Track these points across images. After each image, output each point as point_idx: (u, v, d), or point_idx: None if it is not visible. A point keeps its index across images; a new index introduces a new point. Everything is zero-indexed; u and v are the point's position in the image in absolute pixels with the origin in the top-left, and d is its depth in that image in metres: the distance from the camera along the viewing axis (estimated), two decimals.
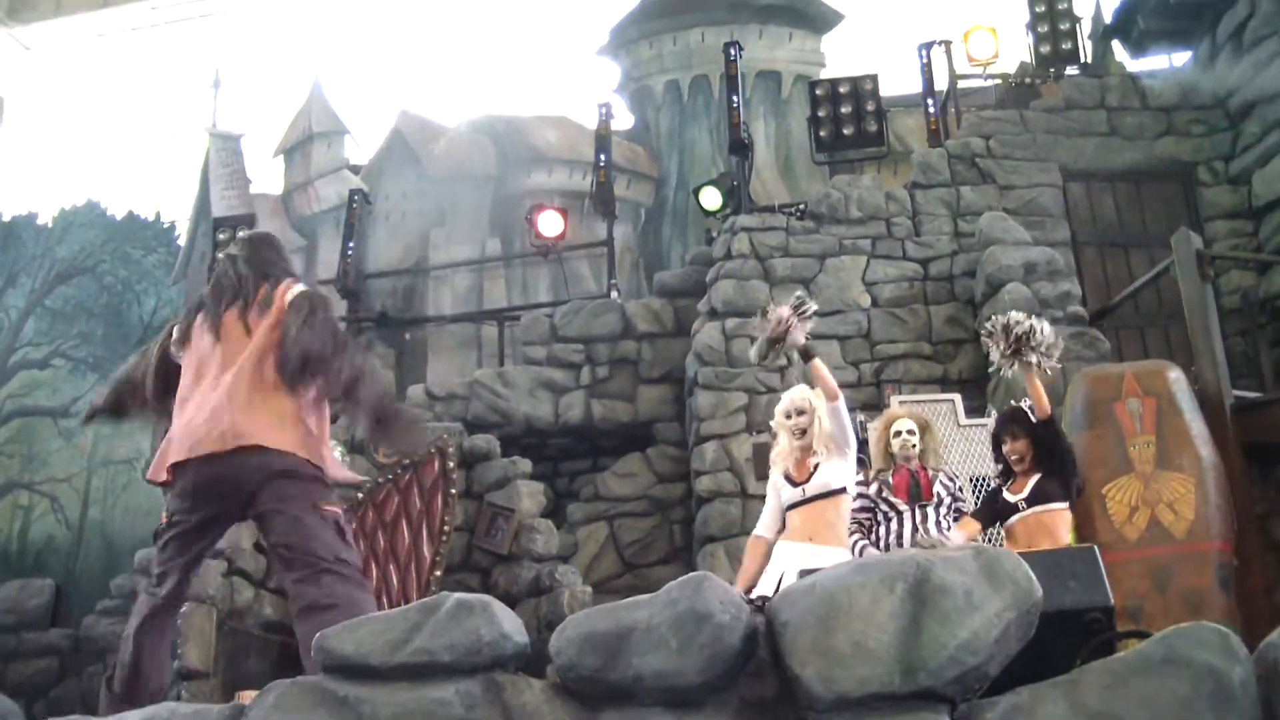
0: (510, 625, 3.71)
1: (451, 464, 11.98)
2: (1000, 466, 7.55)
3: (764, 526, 7.09)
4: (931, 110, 16.51)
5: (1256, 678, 3.39)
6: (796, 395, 7.15)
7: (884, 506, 7.20)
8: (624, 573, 13.51)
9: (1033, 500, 7.16)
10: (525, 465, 12.91)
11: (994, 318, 7.60)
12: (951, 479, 7.45)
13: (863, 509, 7.23)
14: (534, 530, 12.30)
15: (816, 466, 6.89)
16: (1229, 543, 10.01)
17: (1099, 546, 6.42)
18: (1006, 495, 7.29)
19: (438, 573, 11.36)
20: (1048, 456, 7.29)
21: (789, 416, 7.02)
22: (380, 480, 11.57)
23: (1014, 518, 7.19)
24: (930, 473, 7.33)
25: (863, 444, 7.67)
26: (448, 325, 18.76)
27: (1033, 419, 7.36)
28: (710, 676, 3.52)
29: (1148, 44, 17.23)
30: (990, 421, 8.64)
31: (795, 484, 6.90)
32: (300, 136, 21.71)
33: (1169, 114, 15.73)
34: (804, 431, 6.92)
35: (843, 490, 6.89)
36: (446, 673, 3.60)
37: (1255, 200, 14.97)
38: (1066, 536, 7.11)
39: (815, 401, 6.99)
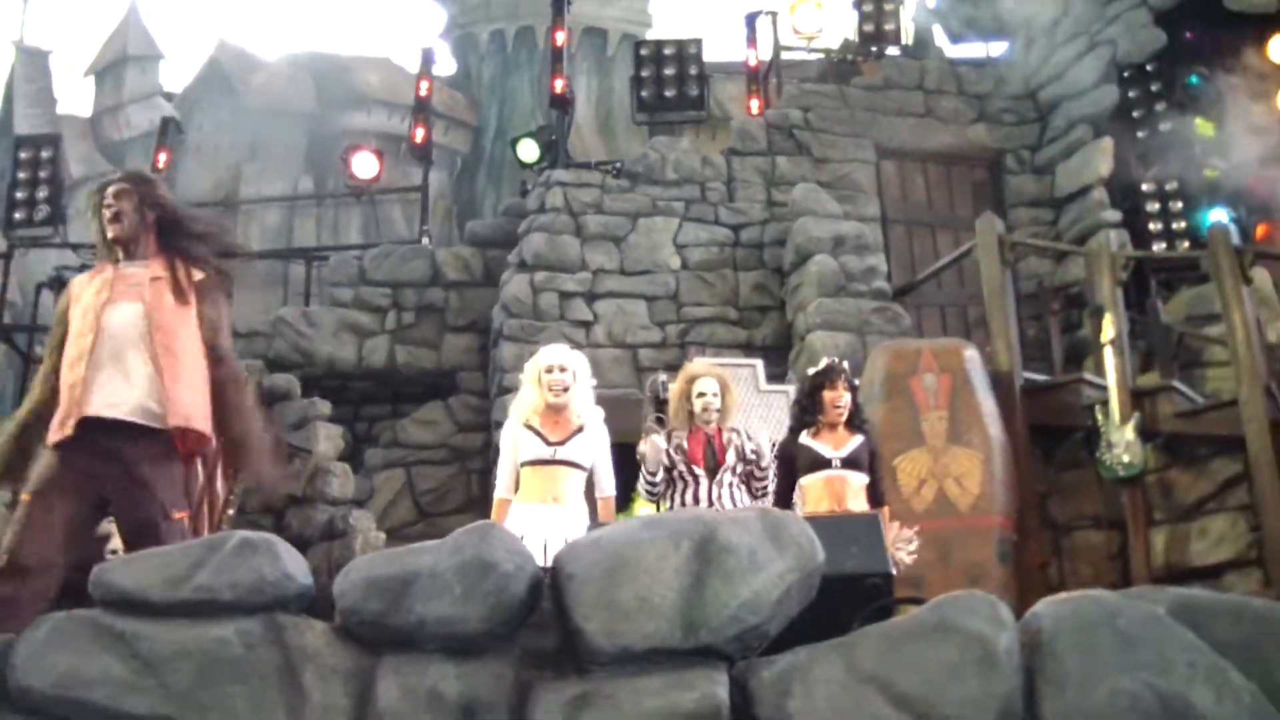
0: (294, 566, 3.67)
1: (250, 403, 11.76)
2: (797, 413, 7.41)
3: (504, 488, 6.74)
4: (753, 79, 16.63)
5: (1020, 645, 3.51)
6: (560, 351, 6.90)
7: (681, 469, 7.14)
8: (419, 520, 13.42)
9: (850, 463, 7.15)
10: (325, 407, 12.73)
11: None
12: (747, 436, 7.37)
13: (654, 474, 7.13)
14: (330, 473, 12.11)
15: (578, 431, 6.63)
16: (1010, 519, 10.32)
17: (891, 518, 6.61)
18: (817, 446, 7.17)
19: (230, 511, 11.12)
20: (858, 421, 7.32)
21: (549, 371, 6.64)
22: None
23: (826, 471, 7.09)
24: (725, 435, 7.28)
25: (663, 404, 7.64)
26: (255, 261, 18.37)
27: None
28: (493, 625, 3.52)
29: (967, 32, 17.56)
30: (790, 388, 8.68)
31: (548, 442, 6.55)
32: (113, 58, 21.05)
33: (982, 101, 16.11)
34: (565, 389, 6.62)
35: (585, 470, 6.68)
36: (227, 611, 3.55)
37: (1057, 191, 15.43)
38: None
39: (578, 364, 6.83)
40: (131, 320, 4.86)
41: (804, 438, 7.20)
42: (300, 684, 3.44)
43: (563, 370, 6.64)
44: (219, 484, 11.11)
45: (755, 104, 16.30)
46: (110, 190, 5.12)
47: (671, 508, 7.14)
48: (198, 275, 5.04)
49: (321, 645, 3.57)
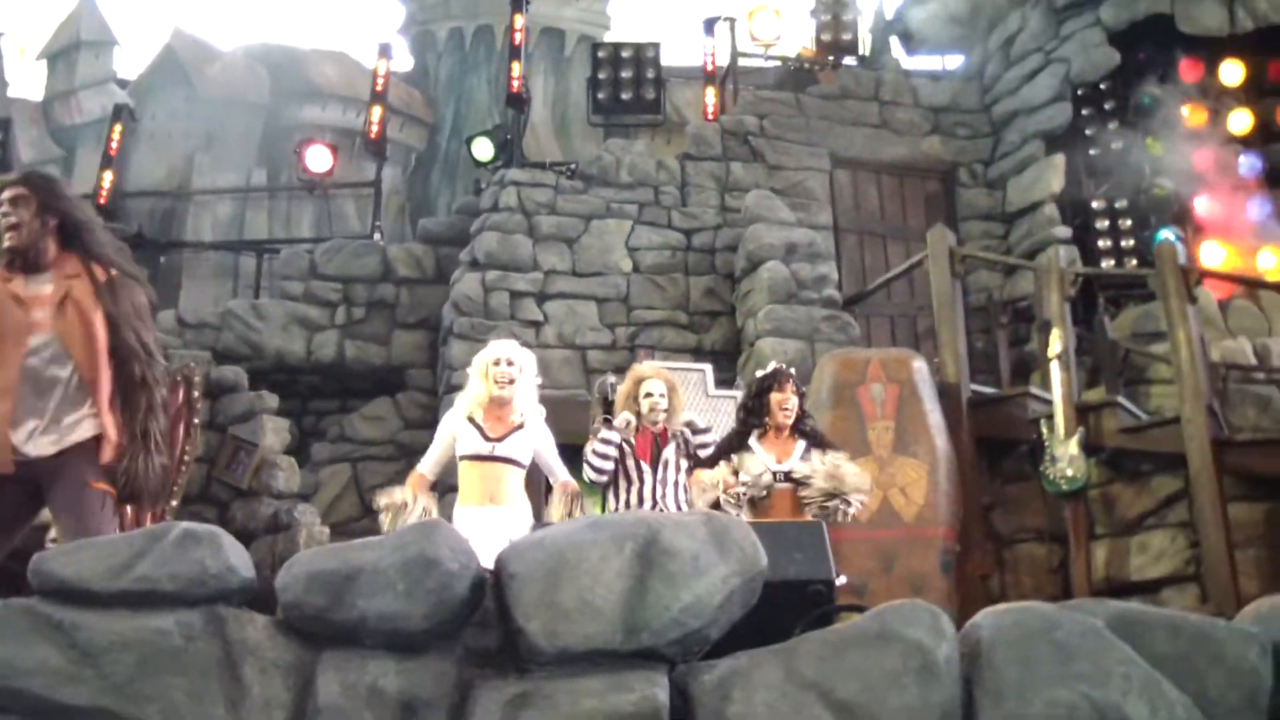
0: (237, 558, 3.65)
1: (196, 393, 11.64)
2: (743, 415, 7.32)
3: (427, 466, 6.80)
4: (710, 84, 16.67)
5: (960, 655, 3.54)
6: (508, 346, 6.85)
7: (629, 464, 7.16)
8: (364, 516, 13.33)
9: (790, 475, 7.12)
10: (272, 400, 12.65)
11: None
12: (693, 431, 7.38)
13: (607, 457, 7.14)
14: (276, 467, 12.05)
15: (518, 428, 6.64)
16: (954, 530, 10.39)
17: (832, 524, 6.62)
18: (761, 455, 7.08)
19: (174, 503, 11.06)
20: (804, 426, 7.31)
21: (496, 364, 6.66)
22: None
23: (773, 480, 6.97)
24: (670, 431, 7.32)
25: (611, 406, 7.64)
26: (206, 252, 18.24)
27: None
28: (435, 623, 3.51)
29: (924, 44, 17.66)
30: (738, 393, 8.67)
31: (486, 438, 6.58)
32: (66, 43, 20.81)
33: (937, 114, 16.21)
34: (511, 381, 6.64)
35: (524, 468, 6.68)
36: (168, 602, 3.52)
37: (1008, 206, 15.55)
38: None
39: (525, 360, 6.85)
40: (45, 343, 4.70)
41: (751, 441, 7.19)
42: (240, 677, 3.43)
43: (510, 364, 6.67)
44: None
45: (711, 107, 16.32)
46: (5, 196, 4.80)
47: (616, 505, 7.17)
48: (108, 273, 4.89)
49: (263, 639, 3.55)
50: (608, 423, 7.33)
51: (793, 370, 7.40)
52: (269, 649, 3.53)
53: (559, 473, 6.88)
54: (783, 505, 6.96)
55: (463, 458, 6.62)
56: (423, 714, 3.41)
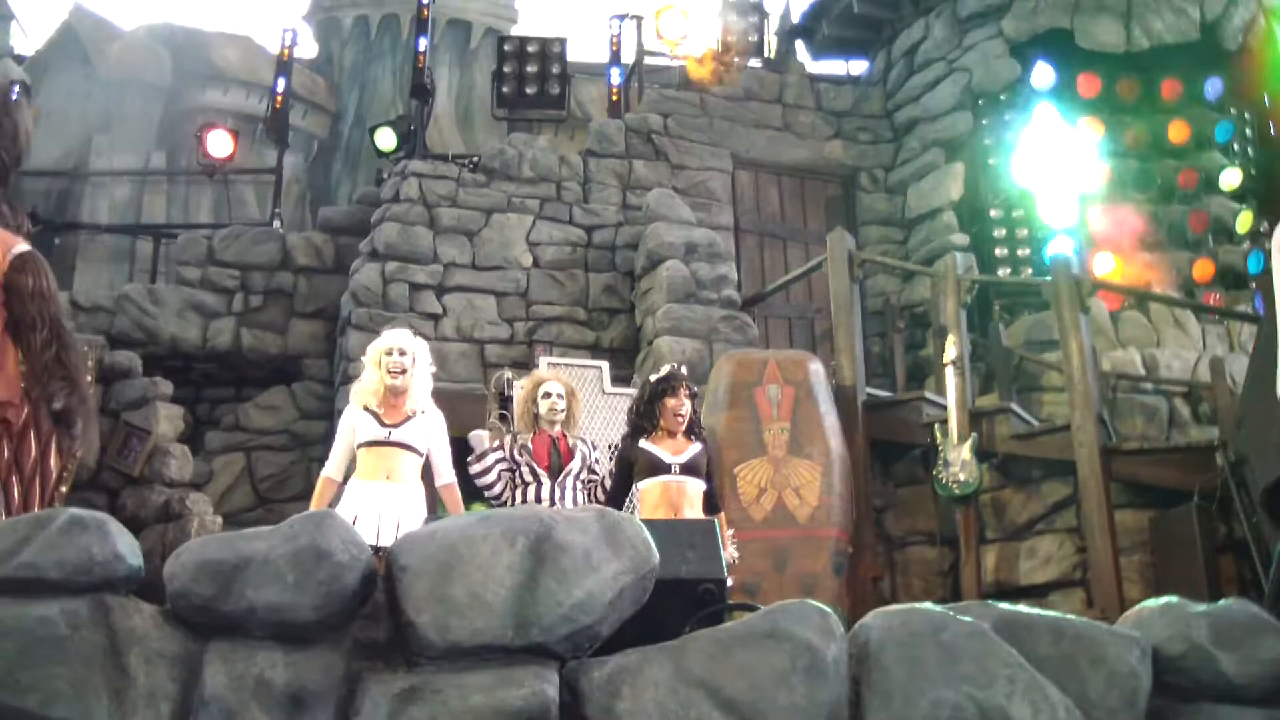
0: (125, 546, 3.58)
1: (89, 378, 11.49)
2: (635, 419, 7.37)
3: (334, 468, 6.82)
4: (615, 82, 16.69)
5: (849, 655, 3.57)
6: (400, 335, 6.88)
7: (525, 470, 7.18)
8: (257, 506, 13.25)
9: (688, 469, 7.17)
10: (166, 387, 12.47)
11: None
12: (592, 446, 7.48)
13: (506, 467, 7.17)
14: (168, 454, 11.88)
15: (413, 415, 6.71)
16: (846, 531, 10.47)
17: (726, 524, 6.66)
18: (657, 451, 7.15)
19: (63, 489, 10.84)
20: (696, 429, 7.35)
21: (389, 354, 6.71)
22: None
23: (664, 477, 7.08)
24: (570, 440, 7.35)
25: (508, 401, 7.64)
26: (102, 235, 17.99)
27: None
28: (325, 615, 3.49)
29: (829, 49, 17.79)
30: (634, 391, 8.68)
31: (383, 424, 6.63)
32: None
33: (840, 119, 16.35)
34: (404, 371, 6.68)
35: (421, 456, 6.75)
36: (53, 590, 3.44)
37: (908, 211, 15.73)
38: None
39: (419, 350, 6.87)
40: None
41: (643, 442, 7.21)
42: (125, 667, 3.37)
43: (402, 354, 6.72)
44: (51, 460, 10.89)
45: (614, 106, 16.35)
46: None
47: (514, 500, 7.19)
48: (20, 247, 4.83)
49: (150, 628, 3.49)
50: (504, 418, 7.34)
51: (685, 371, 7.42)
52: (155, 639, 3.47)
53: (444, 472, 6.94)
54: (678, 499, 7.03)
55: (360, 445, 6.65)
56: (310, 706, 3.38)
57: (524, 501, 7.12)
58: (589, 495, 7.31)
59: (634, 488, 7.25)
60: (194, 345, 13.88)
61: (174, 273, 14.62)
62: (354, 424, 6.71)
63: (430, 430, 6.75)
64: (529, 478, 7.14)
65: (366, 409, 6.69)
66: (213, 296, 14.09)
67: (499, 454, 7.16)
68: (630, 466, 7.24)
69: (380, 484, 6.48)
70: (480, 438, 7.20)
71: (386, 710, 3.37)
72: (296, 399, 13.85)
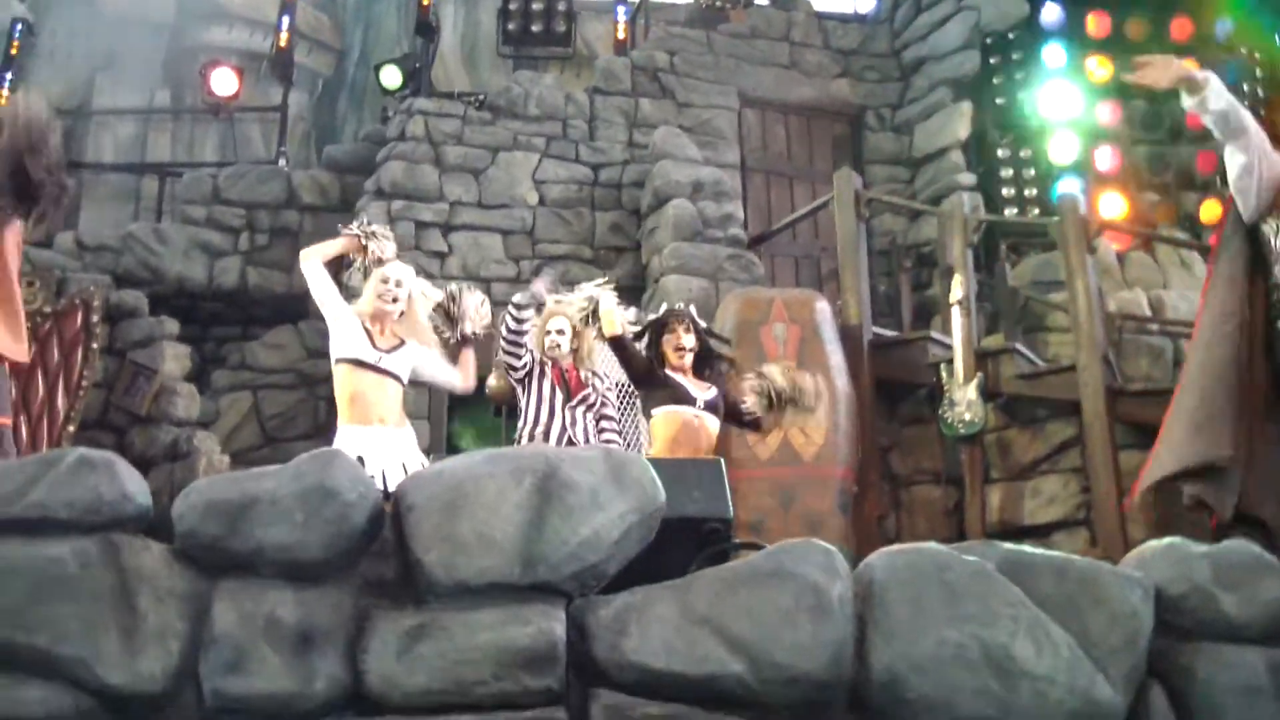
0: (134, 486, 3.60)
1: (95, 318, 11.49)
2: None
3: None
4: (621, 19, 16.61)
5: (853, 595, 3.59)
6: (404, 270, 6.77)
7: (544, 387, 7.16)
8: (264, 445, 13.25)
9: (710, 408, 7.05)
10: (172, 326, 12.48)
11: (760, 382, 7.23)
12: (602, 379, 7.43)
13: (518, 344, 7.15)
14: (175, 393, 11.91)
15: (402, 344, 6.58)
16: (852, 470, 10.50)
17: (731, 462, 6.64)
18: (685, 383, 6.90)
19: (71, 428, 10.92)
20: (706, 371, 7.19)
21: (385, 281, 6.62)
22: None
23: (687, 409, 6.80)
24: (582, 374, 7.32)
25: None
26: (106, 174, 17.93)
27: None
28: (333, 553, 3.51)
29: None
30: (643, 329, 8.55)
31: (374, 346, 6.49)
32: None
33: (847, 57, 16.25)
34: (394, 300, 6.56)
35: (404, 388, 6.59)
36: (62, 529, 3.46)
37: (914, 151, 15.67)
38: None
39: (415, 284, 6.81)
40: None
41: (669, 372, 6.96)
42: (135, 605, 3.40)
43: (399, 285, 6.61)
44: (59, 400, 10.93)
45: (620, 44, 16.28)
46: None
47: (527, 400, 7.17)
48: None
49: (159, 567, 3.51)
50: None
51: (688, 309, 7.26)
52: (165, 578, 3.49)
53: (456, 378, 6.87)
54: (699, 438, 6.80)
55: (345, 360, 6.48)
56: (320, 644, 3.41)
57: (534, 426, 7.11)
58: (597, 426, 7.29)
59: (651, 413, 6.96)
60: (200, 284, 13.87)
61: (179, 211, 14.57)
62: (347, 321, 6.56)
63: (415, 358, 6.63)
64: (546, 400, 7.13)
65: (361, 320, 6.57)
66: (218, 235, 14.06)
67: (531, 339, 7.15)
68: (651, 377, 6.99)
69: (373, 429, 6.32)
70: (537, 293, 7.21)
71: (395, 648, 3.40)
72: (303, 337, 13.82)
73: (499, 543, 3.47)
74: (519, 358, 7.21)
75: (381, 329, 6.55)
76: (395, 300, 6.58)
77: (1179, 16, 15.28)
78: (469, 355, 6.94)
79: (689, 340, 7.02)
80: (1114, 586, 3.76)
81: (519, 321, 7.22)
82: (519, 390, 7.30)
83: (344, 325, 6.54)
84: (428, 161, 13.63)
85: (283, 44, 16.64)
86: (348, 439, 6.25)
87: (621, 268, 13.64)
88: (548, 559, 3.49)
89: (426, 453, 6.85)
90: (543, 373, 7.22)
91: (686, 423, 6.80)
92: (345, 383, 6.47)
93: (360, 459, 5.85)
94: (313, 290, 6.72)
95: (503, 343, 7.20)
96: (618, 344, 6.95)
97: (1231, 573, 3.88)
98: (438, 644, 3.40)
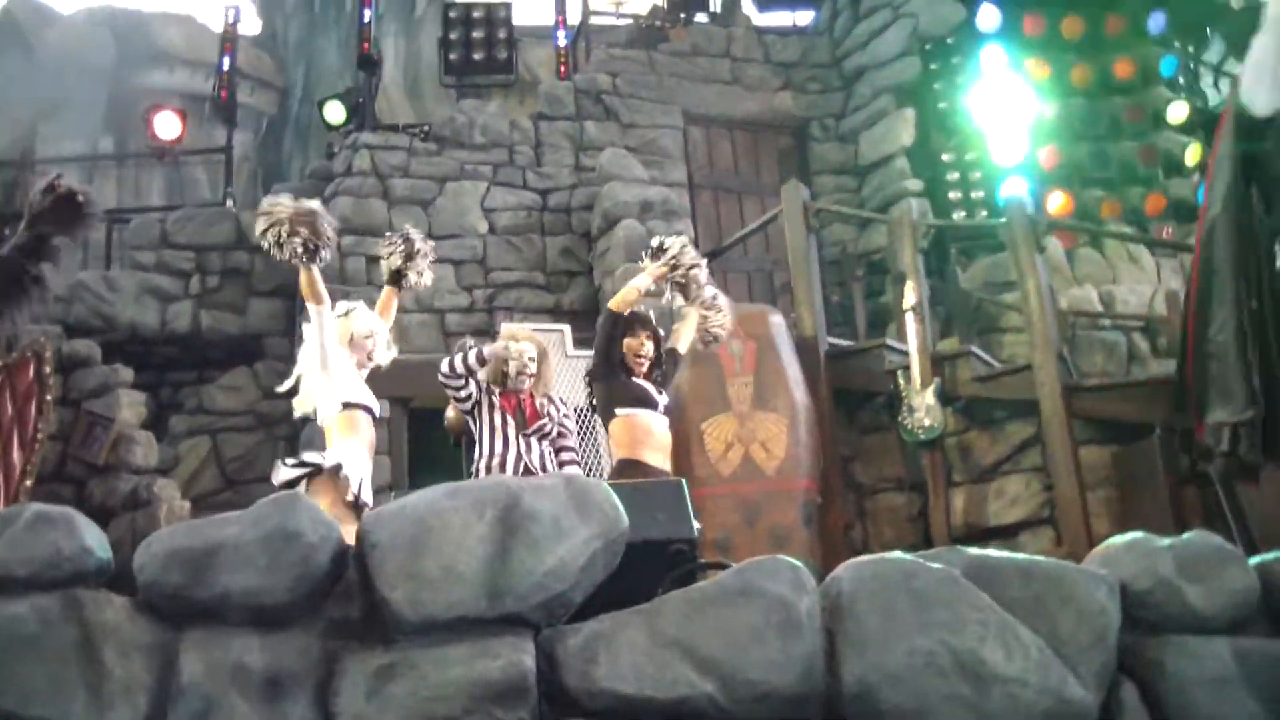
0: (93, 539, 3.59)
1: (48, 369, 11.37)
2: (599, 362, 7.13)
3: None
4: (562, 43, 16.63)
5: (822, 608, 3.60)
6: (376, 322, 6.99)
7: (495, 417, 7.09)
8: (225, 489, 13.17)
9: (667, 412, 6.95)
10: (127, 374, 12.39)
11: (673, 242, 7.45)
12: (559, 404, 7.37)
13: (456, 376, 7.08)
14: (133, 441, 11.82)
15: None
16: (814, 481, 10.52)
17: (694, 481, 6.64)
18: (645, 385, 6.95)
19: (28, 483, 10.80)
20: (658, 376, 7.18)
21: (369, 338, 6.82)
22: None
23: (650, 411, 6.87)
24: (537, 401, 7.27)
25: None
26: None
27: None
28: (298, 596, 3.50)
29: (774, 0, 17.78)
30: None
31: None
32: None
33: (789, 70, 16.32)
34: (369, 355, 6.73)
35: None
36: (22, 587, 3.45)
37: (861, 159, 15.73)
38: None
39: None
40: None
41: (625, 378, 6.98)
42: (100, 661, 3.38)
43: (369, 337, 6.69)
44: (14, 454, 10.83)
45: (562, 68, 16.31)
46: None
47: (480, 432, 7.09)
48: None
49: (122, 620, 3.50)
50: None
51: (649, 314, 7.30)
52: (129, 631, 3.48)
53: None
54: (667, 438, 6.89)
55: (354, 406, 6.49)
56: (289, 689, 3.40)
57: (489, 458, 7.04)
58: (556, 456, 7.22)
59: (614, 414, 6.95)
60: (153, 330, 13.78)
61: (128, 258, 14.49)
62: (346, 366, 6.59)
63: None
64: (498, 428, 7.05)
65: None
66: (169, 279, 13.98)
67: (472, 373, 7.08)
68: (613, 382, 7.00)
69: (364, 450, 6.38)
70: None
71: (365, 689, 3.39)
72: (259, 378, 13.75)
73: (465, 576, 3.47)
74: (460, 390, 7.13)
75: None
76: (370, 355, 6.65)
77: (1112, 14, 15.42)
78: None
79: (648, 348, 7.07)
80: (1080, 585, 3.79)
81: (461, 373, 7.12)
82: (470, 422, 7.24)
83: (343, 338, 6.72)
84: (375, 195, 13.61)
85: (224, 85, 16.58)
86: (348, 453, 6.27)
87: (574, 291, 13.65)
88: (514, 590, 3.48)
89: (389, 488, 6.86)
90: (491, 403, 7.13)
91: (654, 424, 6.87)
92: (348, 421, 6.48)
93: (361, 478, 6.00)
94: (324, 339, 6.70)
95: (440, 378, 7.14)
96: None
97: (1195, 565, 3.91)
98: (408, 682, 3.39)
